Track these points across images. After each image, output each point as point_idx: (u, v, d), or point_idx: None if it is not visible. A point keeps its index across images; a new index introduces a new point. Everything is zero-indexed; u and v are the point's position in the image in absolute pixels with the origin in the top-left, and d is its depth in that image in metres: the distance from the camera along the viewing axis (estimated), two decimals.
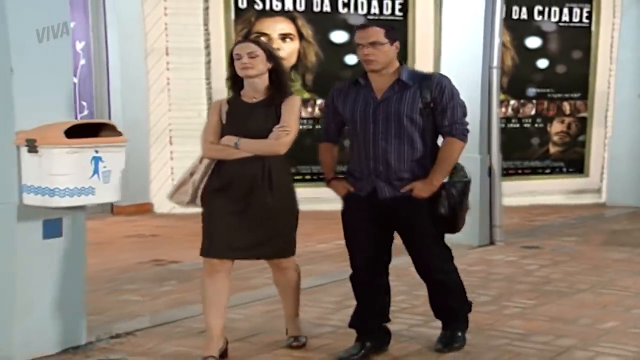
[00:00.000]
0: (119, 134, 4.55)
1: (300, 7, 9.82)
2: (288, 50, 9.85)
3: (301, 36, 9.88)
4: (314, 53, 9.95)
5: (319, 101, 9.91)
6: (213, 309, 4.33)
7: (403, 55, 10.08)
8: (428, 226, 4.35)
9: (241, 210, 4.25)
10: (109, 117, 9.34)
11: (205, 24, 9.59)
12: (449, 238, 7.87)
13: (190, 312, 5.34)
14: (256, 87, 4.29)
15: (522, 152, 10.77)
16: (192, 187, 4.32)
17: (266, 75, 4.30)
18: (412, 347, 4.71)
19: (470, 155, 7.95)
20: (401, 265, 6.95)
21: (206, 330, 4.39)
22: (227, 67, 4.40)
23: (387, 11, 10.07)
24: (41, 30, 4.41)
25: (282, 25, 9.84)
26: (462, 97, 7.82)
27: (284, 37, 9.86)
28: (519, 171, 10.76)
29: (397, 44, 4.33)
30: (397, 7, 10.11)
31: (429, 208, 4.30)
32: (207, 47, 9.54)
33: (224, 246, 4.27)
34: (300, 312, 4.77)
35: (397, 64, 4.35)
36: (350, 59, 9.97)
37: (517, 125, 10.75)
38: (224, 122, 4.34)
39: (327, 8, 9.90)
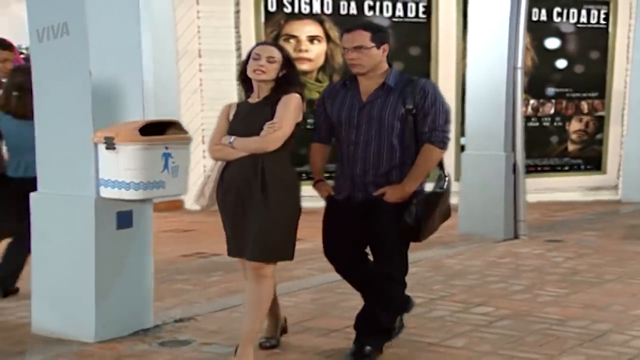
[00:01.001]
0: (185, 132, 4.88)
1: (328, 10, 10.10)
2: (316, 52, 10.15)
3: (328, 38, 10.15)
4: (340, 54, 10.24)
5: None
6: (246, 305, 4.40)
7: (426, 57, 10.45)
8: (392, 232, 4.27)
9: (240, 210, 4.22)
10: (143, 118, 9.61)
11: (237, 26, 9.87)
12: (476, 232, 8.25)
13: (242, 299, 5.66)
14: (262, 89, 4.25)
15: (542, 150, 11.01)
16: (208, 190, 4.40)
17: (274, 81, 4.25)
18: (458, 330, 5.02)
19: (496, 153, 8.33)
20: (434, 257, 7.36)
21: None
22: (241, 65, 4.38)
23: (411, 14, 10.36)
24: (117, 36, 4.75)
25: (310, 28, 10.12)
26: (487, 97, 8.25)
27: (312, 39, 10.14)
28: (539, 168, 11.01)
29: (385, 46, 4.23)
30: (421, 9, 10.39)
31: (396, 214, 4.22)
32: (238, 49, 9.81)
33: (234, 247, 4.33)
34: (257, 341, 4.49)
35: (385, 66, 4.27)
36: None
37: (537, 124, 11.02)
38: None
39: (353, 11, 10.18)
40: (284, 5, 10.00)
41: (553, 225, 9.30)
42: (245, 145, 4.19)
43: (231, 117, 4.34)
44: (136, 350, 4.58)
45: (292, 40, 10.09)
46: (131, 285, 4.87)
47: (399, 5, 10.32)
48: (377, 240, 4.34)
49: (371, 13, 10.24)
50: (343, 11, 10.15)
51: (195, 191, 4.52)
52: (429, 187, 4.41)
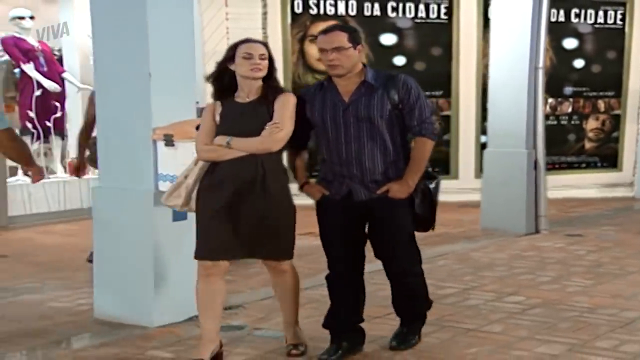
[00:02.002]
0: None
1: (352, 11, 10.38)
2: None
3: None
4: (364, 55, 10.51)
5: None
6: (208, 312, 4.29)
7: (447, 57, 10.72)
8: (404, 227, 4.33)
9: (235, 209, 4.15)
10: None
11: (264, 27, 10.15)
12: (498, 227, 8.48)
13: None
14: (252, 88, 4.19)
15: (559, 148, 11.26)
16: (185, 190, 4.28)
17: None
18: (493, 317, 5.28)
19: (517, 150, 8.59)
20: (460, 250, 7.63)
21: (201, 332, 4.36)
22: (220, 63, 4.27)
23: (433, 15, 10.64)
24: (174, 39, 5.04)
25: None
26: (509, 95, 8.51)
27: None
28: (556, 166, 11.27)
29: (360, 47, 4.24)
30: (443, 10, 10.67)
31: (405, 208, 4.29)
32: None
33: (216, 247, 4.20)
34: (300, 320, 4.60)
35: (360, 66, 4.27)
36: (399, 60, 10.60)
37: (555, 123, 11.27)
38: (218, 123, 4.25)
39: (377, 12, 10.46)
40: (309, 7, 10.29)
41: (571, 220, 9.54)
42: (244, 146, 4.12)
43: (217, 116, 4.24)
44: (194, 334, 4.85)
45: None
46: (185, 274, 5.12)
47: (421, 7, 10.60)
48: (386, 240, 4.34)
49: (394, 14, 10.53)
50: (367, 12, 10.43)
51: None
52: None
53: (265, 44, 4.27)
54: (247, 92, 4.20)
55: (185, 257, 5.11)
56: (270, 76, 4.21)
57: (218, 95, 4.29)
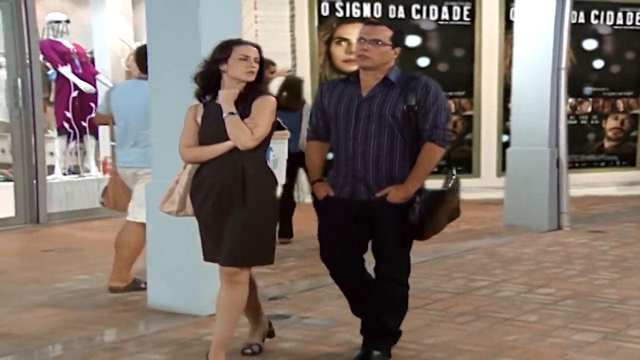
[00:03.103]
0: (283, 128, 5.43)
1: (377, 13, 10.63)
2: None
3: None
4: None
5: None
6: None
7: (470, 58, 10.97)
8: (396, 232, 4.21)
9: (217, 212, 4.11)
10: None
11: (292, 30, 10.41)
12: (521, 223, 8.67)
13: (322, 282, 6.06)
14: (237, 90, 4.14)
15: (579, 147, 11.42)
16: (178, 196, 4.24)
17: None
18: (527, 307, 5.53)
19: (540, 149, 8.82)
20: (486, 245, 7.88)
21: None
22: (212, 62, 4.17)
23: (456, 17, 10.88)
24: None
25: None
26: (532, 95, 8.75)
27: None
28: (576, 164, 11.45)
29: (397, 49, 4.20)
30: (465, 12, 10.92)
31: (400, 215, 4.15)
32: (293, 51, 10.36)
33: (207, 250, 4.26)
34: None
35: (389, 66, 4.20)
36: (422, 61, 10.84)
37: (575, 122, 11.45)
38: (199, 125, 4.20)
39: (401, 14, 10.70)
40: (336, 10, 10.55)
41: (592, 217, 9.74)
42: (231, 128, 4.03)
43: (199, 118, 4.19)
44: (244, 322, 5.12)
45: (343, 43, 10.64)
46: None
47: (445, 9, 10.84)
48: (381, 242, 4.26)
49: (418, 16, 10.78)
50: (392, 15, 10.68)
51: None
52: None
53: (259, 47, 4.22)
54: (233, 94, 4.12)
55: None
56: (257, 80, 4.15)
57: (203, 95, 4.22)
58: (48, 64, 10.07)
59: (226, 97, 4.10)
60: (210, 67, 4.16)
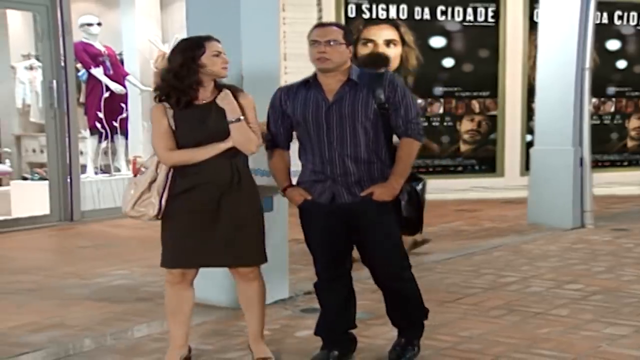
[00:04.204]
0: None
1: (403, 15, 10.80)
2: (392, 55, 10.79)
3: (404, 42, 10.87)
4: (414, 57, 10.93)
5: (419, 101, 10.92)
6: (176, 317, 4.27)
7: (494, 58, 11.11)
8: (390, 233, 4.16)
9: (211, 215, 4.05)
10: None
11: None
12: (545, 222, 8.76)
13: (354, 276, 6.31)
14: (210, 87, 4.11)
15: (602, 146, 11.55)
16: (157, 198, 4.07)
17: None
18: (557, 302, 5.65)
19: (564, 148, 8.93)
20: (512, 243, 8.01)
21: (169, 338, 4.35)
22: (188, 60, 4.03)
23: (480, 18, 11.04)
24: (261, 44, 5.49)
25: (387, 32, 10.86)
26: (556, 95, 8.87)
27: (389, 42, 10.85)
28: (599, 164, 11.56)
29: (351, 48, 4.13)
30: (490, 14, 11.07)
31: (390, 214, 4.13)
32: None
33: (184, 255, 4.11)
34: (266, 332, 4.54)
35: (347, 65, 4.12)
36: (447, 62, 11.00)
37: (598, 122, 11.59)
38: (173, 127, 4.05)
39: (426, 16, 10.88)
40: (362, 12, 10.71)
41: (614, 216, 9.80)
42: (240, 134, 4.04)
43: (171, 119, 4.05)
44: (283, 315, 5.30)
45: (369, 44, 10.80)
46: (272, 261, 5.54)
47: (469, 10, 10.99)
48: (373, 244, 4.17)
49: (443, 18, 10.94)
50: (417, 16, 10.85)
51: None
52: None
53: (218, 41, 4.16)
54: (204, 93, 4.07)
55: (270, 246, 5.52)
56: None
57: (177, 98, 4.04)
58: (78, 66, 10.28)
59: (230, 102, 4.06)
60: (189, 66, 4.01)
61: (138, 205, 4.09)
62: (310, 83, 4.15)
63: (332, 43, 4.02)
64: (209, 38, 4.12)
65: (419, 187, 4.29)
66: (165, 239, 4.13)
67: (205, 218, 4.05)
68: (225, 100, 4.07)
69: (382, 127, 4.10)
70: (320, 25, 4.19)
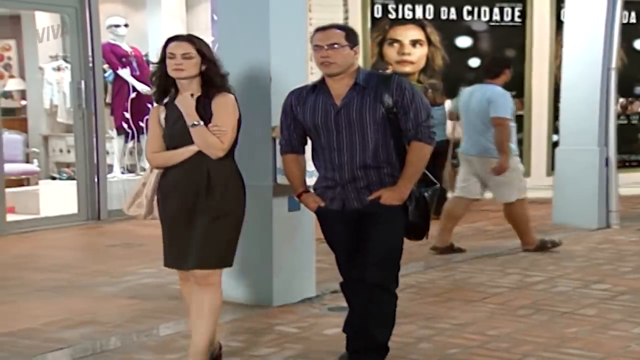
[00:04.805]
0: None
1: (429, 15, 10.79)
2: (418, 55, 10.86)
3: (430, 42, 10.85)
4: (440, 57, 10.92)
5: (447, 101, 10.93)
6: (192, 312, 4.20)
7: (521, 58, 11.08)
8: (387, 241, 4.06)
9: (184, 217, 4.01)
10: None
11: None
12: (570, 222, 8.72)
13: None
14: (189, 88, 4.00)
15: (629, 146, 11.46)
16: (145, 200, 4.15)
17: (198, 78, 4.02)
18: (584, 302, 5.65)
19: (589, 148, 8.88)
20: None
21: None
22: (158, 64, 4.06)
23: (507, 17, 11.02)
24: (289, 48, 5.54)
25: (413, 32, 10.83)
26: (582, 95, 8.84)
27: (415, 43, 10.84)
28: (626, 164, 11.50)
29: (356, 49, 4.04)
30: (517, 13, 11.05)
31: (395, 218, 4.04)
32: None
33: (169, 256, 4.12)
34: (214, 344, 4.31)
35: (354, 68, 4.06)
36: (474, 62, 10.99)
37: (625, 122, 11.52)
38: (163, 127, 4.09)
39: (453, 16, 10.87)
40: (388, 12, 10.72)
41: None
42: (198, 138, 3.95)
43: (162, 120, 4.08)
44: (311, 313, 5.35)
45: (395, 44, 10.81)
46: (299, 259, 5.64)
47: (496, 10, 10.98)
48: (372, 247, 4.05)
49: (469, 17, 10.93)
50: (443, 16, 10.85)
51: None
52: None
53: (192, 41, 4.00)
54: (186, 91, 4.01)
55: (299, 244, 5.62)
56: (206, 72, 4.01)
57: (160, 96, 4.10)
58: (105, 66, 10.38)
59: (186, 105, 3.97)
60: (160, 67, 4.02)
61: (135, 206, 4.18)
62: (318, 88, 4.10)
63: (335, 46, 3.95)
64: (172, 38, 4.04)
65: (428, 193, 4.13)
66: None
67: (180, 220, 4.03)
68: (180, 103, 4.00)
69: (392, 131, 4.02)
70: (322, 28, 4.09)
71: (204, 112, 3.98)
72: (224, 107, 3.99)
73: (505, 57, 7.80)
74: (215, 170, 4.01)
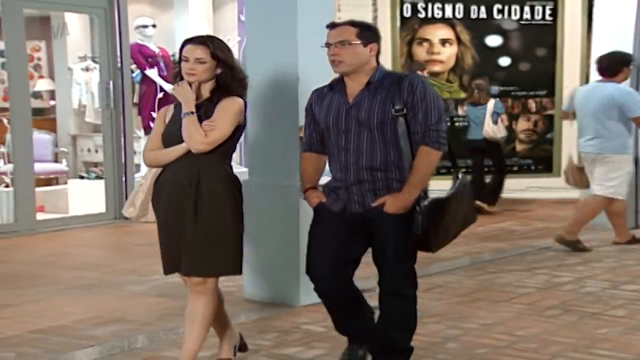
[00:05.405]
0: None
1: (459, 14, 10.74)
2: (447, 54, 10.83)
3: (459, 41, 10.81)
4: (470, 56, 10.86)
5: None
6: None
7: (552, 57, 11.00)
8: (397, 245, 3.84)
9: (173, 220, 3.92)
10: None
11: None
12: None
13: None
14: (200, 91, 3.94)
15: None
16: (139, 201, 4.13)
17: (212, 80, 3.95)
18: (614, 303, 5.59)
19: None
20: None
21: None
22: (177, 64, 4.02)
23: (538, 16, 10.93)
24: (316, 46, 5.50)
25: (443, 31, 10.79)
26: None
27: (444, 42, 10.80)
28: None
29: (372, 45, 3.83)
30: (548, 12, 10.97)
31: (400, 225, 3.80)
32: None
33: (165, 262, 4.04)
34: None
35: (372, 66, 3.87)
36: (504, 61, 10.93)
37: None
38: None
39: (483, 15, 10.80)
40: (418, 11, 10.69)
41: None
42: (186, 130, 3.83)
43: (167, 120, 4.04)
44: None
45: (425, 44, 10.78)
46: None
47: (527, 8, 10.91)
48: (381, 255, 3.91)
49: (500, 16, 10.87)
50: (473, 15, 10.79)
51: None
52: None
53: (207, 44, 3.91)
54: (196, 95, 3.92)
55: None
56: (220, 77, 3.94)
57: (175, 97, 4.03)
58: (132, 67, 10.45)
59: (184, 94, 3.90)
60: (176, 71, 3.99)
61: (130, 207, 4.16)
62: (334, 86, 3.97)
63: (345, 44, 3.80)
64: (190, 40, 3.97)
65: (425, 202, 3.82)
66: None
67: (171, 223, 3.92)
68: (178, 91, 3.92)
69: (402, 133, 3.78)
70: (333, 25, 3.95)
71: (205, 113, 3.89)
72: (227, 108, 3.89)
73: (624, 55, 7.72)
74: (206, 173, 3.90)
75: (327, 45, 3.86)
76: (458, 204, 3.93)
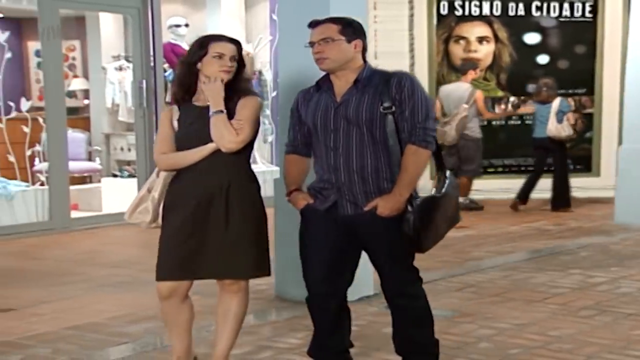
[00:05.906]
0: None
1: (497, 11, 10.65)
2: (484, 52, 10.74)
3: (497, 38, 10.71)
4: (508, 54, 10.76)
5: (512, 99, 10.78)
6: (174, 329, 4.08)
7: (592, 54, 10.84)
8: (391, 246, 3.75)
9: (199, 224, 3.82)
10: None
11: (410, 29, 10.52)
12: (634, 222, 8.52)
13: (437, 275, 6.33)
14: (219, 81, 3.83)
15: None
16: (152, 205, 3.91)
17: None
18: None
19: (634, 146, 8.75)
20: (599, 243, 7.86)
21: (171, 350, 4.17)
22: (189, 60, 3.89)
23: (577, 13, 10.79)
24: None
25: (480, 29, 10.71)
26: None
27: (481, 39, 10.71)
28: None
29: (357, 42, 3.76)
30: (587, 9, 10.82)
31: (392, 226, 3.69)
32: (412, 50, 10.47)
33: (174, 267, 3.88)
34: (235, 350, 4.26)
35: (359, 64, 3.78)
36: (542, 59, 10.80)
37: None
38: (176, 129, 3.90)
39: (521, 12, 10.70)
40: (455, 9, 10.60)
41: None
42: (215, 128, 3.76)
43: (175, 122, 3.91)
44: (369, 311, 5.29)
45: (461, 42, 10.69)
46: None
47: (566, 5, 10.77)
48: (377, 259, 3.84)
49: (538, 13, 10.75)
50: (511, 12, 10.69)
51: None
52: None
53: (238, 43, 3.89)
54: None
55: None
56: (235, 78, 3.87)
57: (184, 96, 3.93)
58: (165, 66, 10.48)
59: (215, 92, 3.81)
60: (189, 66, 3.86)
61: (137, 212, 3.96)
62: (321, 86, 3.86)
63: (327, 41, 3.71)
64: (216, 38, 3.89)
65: (416, 202, 3.71)
66: (158, 251, 3.94)
67: (195, 228, 3.82)
68: (209, 88, 3.82)
69: (391, 132, 3.68)
70: (314, 23, 3.84)
71: (227, 112, 3.82)
72: (249, 105, 3.84)
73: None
74: (236, 173, 3.85)
75: (311, 44, 3.78)
76: (447, 203, 3.84)
